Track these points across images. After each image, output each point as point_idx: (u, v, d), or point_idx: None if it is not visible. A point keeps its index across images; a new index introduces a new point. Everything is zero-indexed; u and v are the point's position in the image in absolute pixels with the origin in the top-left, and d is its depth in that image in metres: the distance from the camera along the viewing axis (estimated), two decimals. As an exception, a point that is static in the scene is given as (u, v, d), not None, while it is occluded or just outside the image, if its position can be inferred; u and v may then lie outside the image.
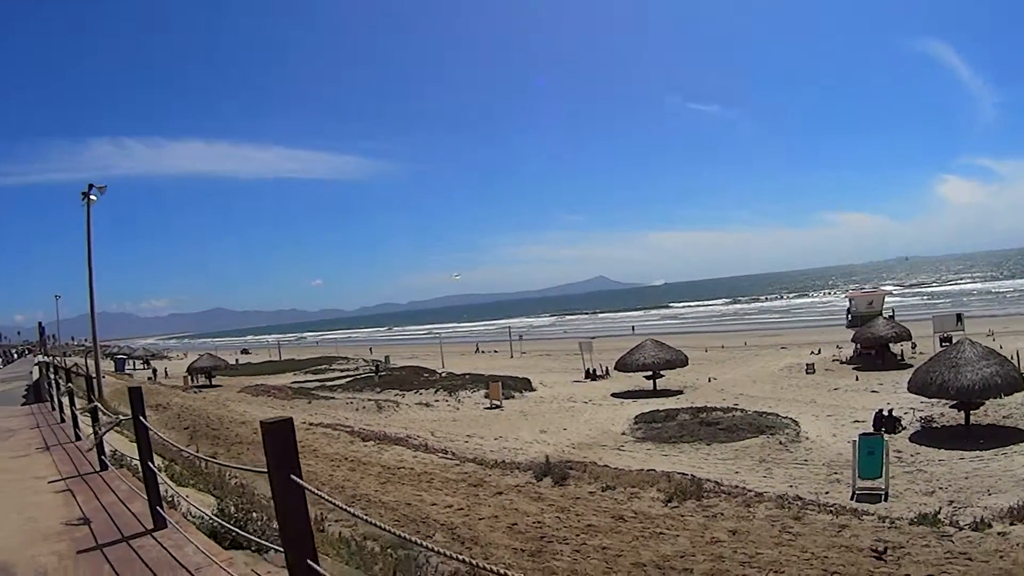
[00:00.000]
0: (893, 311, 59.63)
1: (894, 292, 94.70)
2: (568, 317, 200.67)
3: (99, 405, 12.73)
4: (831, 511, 14.97)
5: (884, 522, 13.94)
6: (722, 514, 14.12)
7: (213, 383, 68.08)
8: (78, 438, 15.30)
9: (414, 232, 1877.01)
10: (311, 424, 33.84)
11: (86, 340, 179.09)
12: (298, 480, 4.18)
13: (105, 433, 11.28)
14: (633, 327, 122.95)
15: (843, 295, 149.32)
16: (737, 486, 18.36)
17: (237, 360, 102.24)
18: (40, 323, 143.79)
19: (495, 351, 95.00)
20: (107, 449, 14.40)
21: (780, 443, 27.18)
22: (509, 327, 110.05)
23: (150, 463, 7.52)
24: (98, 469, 11.38)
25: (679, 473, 19.90)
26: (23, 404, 27.34)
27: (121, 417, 10.68)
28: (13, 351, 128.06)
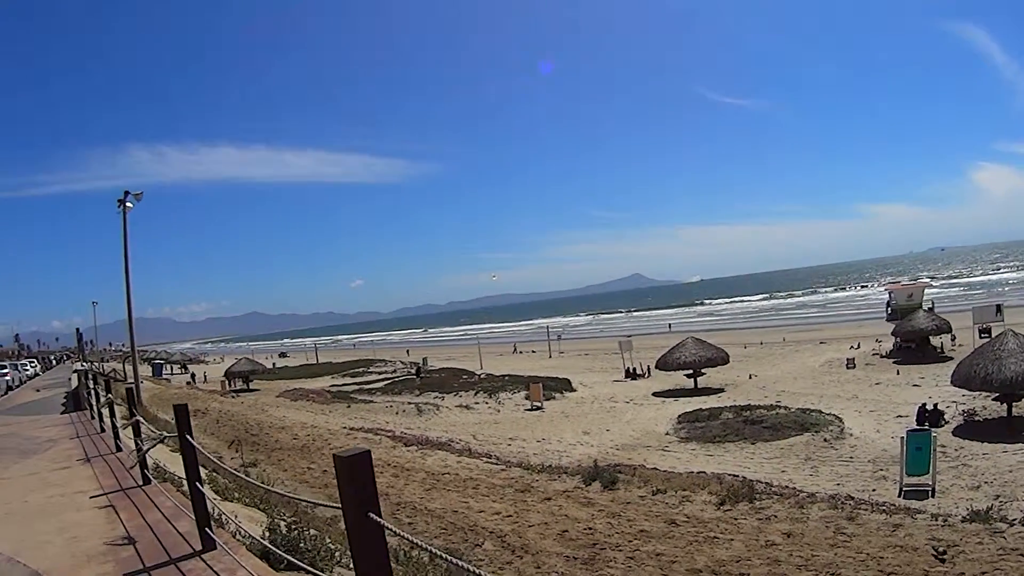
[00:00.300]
0: (933, 303, 59.06)
1: (934, 284, 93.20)
2: (604, 316, 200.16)
3: (141, 419, 12.18)
4: (884, 510, 14.81)
5: (937, 520, 13.80)
6: (775, 516, 13.99)
7: (251, 387, 68.08)
8: (119, 449, 15.27)
9: (453, 233, 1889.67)
10: (351, 429, 33.91)
11: (123, 345, 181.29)
12: (378, 519, 3.85)
13: (149, 450, 11.10)
14: (670, 325, 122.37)
15: (879, 288, 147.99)
16: (787, 487, 18.17)
17: (274, 364, 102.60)
18: (78, 329, 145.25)
19: (532, 351, 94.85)
20: (148, 461, 14.38)
21: (825, 440, 26.87)
22: (547, 327, 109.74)
23: (197, 483, 7.27)
24: (141, 483, 11.29)
25: (729, 475, 19.70)
26: (62, 412, 27.63)
27: (165, 434, 10.64)
28: (52, 357, 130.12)
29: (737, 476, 19.44)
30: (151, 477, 11.30)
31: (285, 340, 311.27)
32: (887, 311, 58.89)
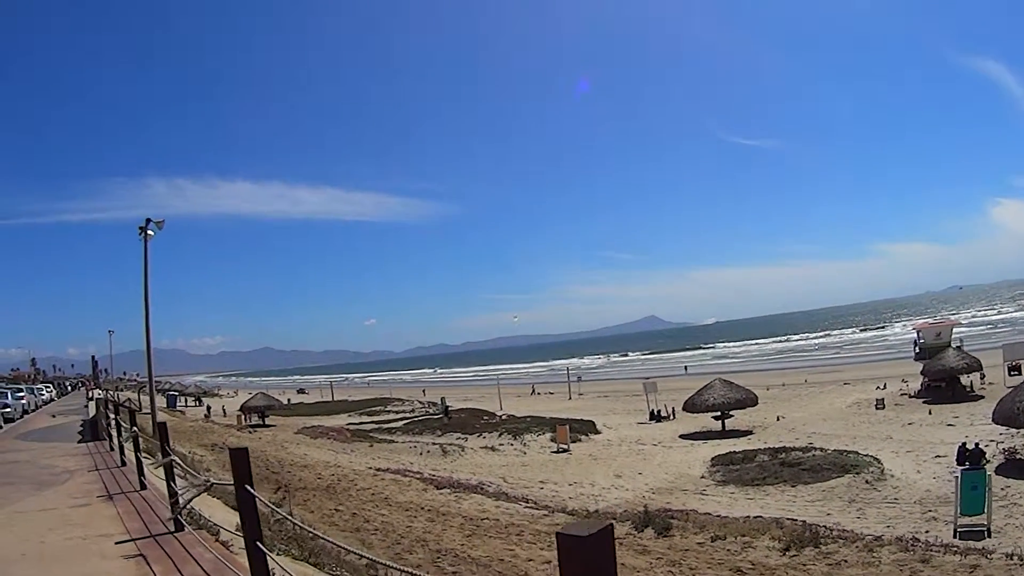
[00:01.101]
0: (961, 341, 58.44)
1: (962, 322, 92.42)
2: (620, 358, 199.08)
3: (177, 460, 11.18)
4: (956, 551, 14.26)
5: (1012, 559, 13.27)
6: (845, 561, 13.27)
7: (266, 423, 67.30)
8: (144, 487, 14.08)
9: (466, 274, 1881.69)
10: (378, 470, 32.89)
11: (138, 375, 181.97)
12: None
13: (192, 500, 9.87)
14: (686, 367, 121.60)
15: (899, 327, 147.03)
16: (848, 530, 17.52)
17: (289, 400, 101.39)
18: (93, 357, 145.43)
19: (550, 393, 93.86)
20: (148, 473, 14.33)
21: (866, 482, 26.16)
22: (567, 368, 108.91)
23: (259, 543, 6.27)
24: (173, 530, 10.06)
25: (788, 519, 19.02)
26: (79, 441, 26.57)
27: (211, 480, 9.47)
28: (67, 383, 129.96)
29: (796, 520, 18.64)
30: (184, 523, 10.14)
31: (296, 376, 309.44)
32: (915, 350, 58.23)
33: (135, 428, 15.45)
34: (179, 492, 10.15)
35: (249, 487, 6.20)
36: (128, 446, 17.23)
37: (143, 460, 14.83)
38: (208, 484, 9.53)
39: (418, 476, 30.68)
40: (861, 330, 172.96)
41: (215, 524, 10.27)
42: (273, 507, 6.54)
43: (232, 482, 6.29)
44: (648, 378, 73.50)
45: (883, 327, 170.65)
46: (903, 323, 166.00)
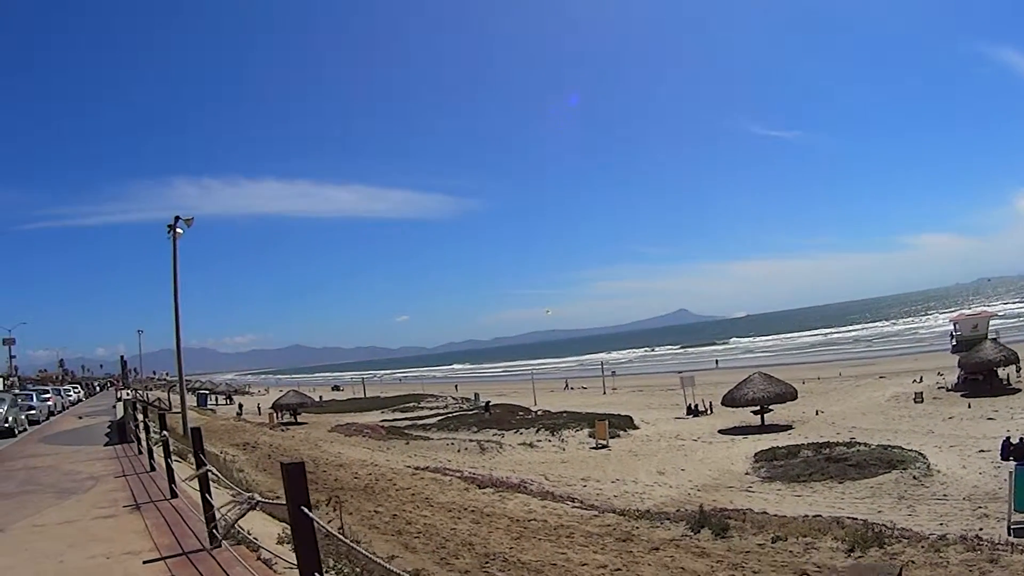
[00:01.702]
0: (998, 333, 57.76)
1: (999, 314, 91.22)
2: (651, 351, 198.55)
3: (214, 471, 10.00)
4: (1022, 550, 14.03)
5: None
6: (913, 562, 12.91)
7: (298, 420, 67.48)
8: (174, 495, 13.02)
9: (497, 269, 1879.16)
10: (417, 468, 32.15)
11: (167, 374, 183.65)
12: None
13: (239, 519, 8.23)
14: (716, 361, 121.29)
15: (930, 320, 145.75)
16: (908, 529, 17.22)
17: (321, 397, 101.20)
18: (122, 356, 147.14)
19: (583, 387, 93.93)
20: (179, 480, 13.16)
21: (914, 478, 25.71)
22: (601, 363, 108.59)
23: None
24: (208, 546, 9.08)
25: (849, 518, 18.70)
26: (106, 444, 26.13)
27: (257, 498, 7.75)
28: (96, 383, 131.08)
29: (856, 519, 18.33)
30: (220, 536, 8.95)
31: (327, 374, 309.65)
32: (952, 342, 57.57)
33: (165, 431, 14.28)
34: (218, 508, 9.18)
35: (306, 508, 5.45)
36: (158, 450, 16.67)
37: (173, 466, 13.90)
38: (253, 502, 7.81)
39: (458, 475, 30.14)
40: (892, 323, 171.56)
41: (254, 540, 9.21)
42: (340, 536, 5.16)
43: (283, 500, 5.59)
44: (684, 372, 73.10)
45: (914, 320, 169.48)
46: (934, 316, 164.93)
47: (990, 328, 56.10)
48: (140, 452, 20.49)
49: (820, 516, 19.11)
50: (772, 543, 14.85)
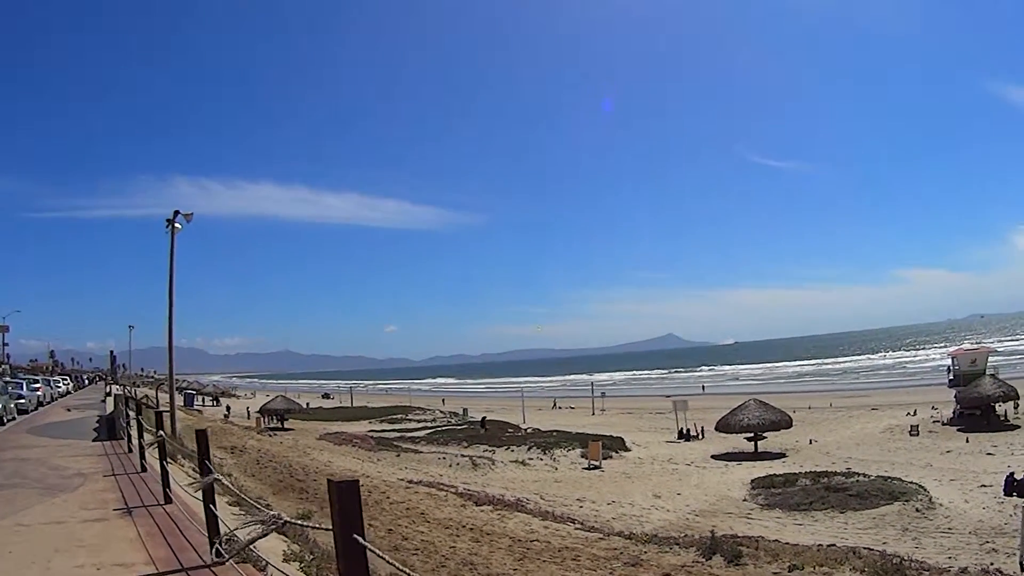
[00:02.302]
0: (996, 369, 57.58)
1: (998, 349, 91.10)
2: (638, 374, 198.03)
3: (223, 478, 9.54)
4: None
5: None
6: None
7: (285, 426, 66.44)
8: (168, 500, 12.26)
9: (486, 285, 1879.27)
10: (410, 482, 31.73)
11: (155, 372, 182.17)
12: None
13: (257, 539, 6.75)
14: (703, 386, 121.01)
15: (921, 354, 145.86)
16: (924, 561, 16.72)
17: (308, 404, 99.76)
18: (112, 351, 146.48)
19: (571, 407, 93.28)
20: (174, 484, 12.54)
21: (916, 510, 25.36)
22: (592, 383, 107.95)
23: None
24: (209, 561, 8.17)
25: (865, 548, 18.15)
26: (95, 439, 25.17)
27: (283, 517, 6.47)
28: (84, 376, 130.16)
29: (872, 550, 17.82)
30: (223, 552, 8.12)
31: (314, 381, 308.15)
32: (949, 376, 57.42)
33: (162, 432, 13.45)
34: (224, 523, 8.45)
35: (360, 538, 4.52)
36: (152, 451, 15.66)
37: (168, 470, 12.91)
38: (279, 522, 6.40)
39: (453, 490, 29.56)
40: (883, 356, 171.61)
41: (260, 556, 8.19)
42: (393, 562, 3.98)
43: (288, 514, 4.62)
44: (677, 397, 72.53)
45: (905, 354, 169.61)
46: (925, 350, 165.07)
47: (988, 364, 55.81)
48: (130, 451, 19.77)
49: (834, 546, 18.54)
50: (788, 572, 14.33)
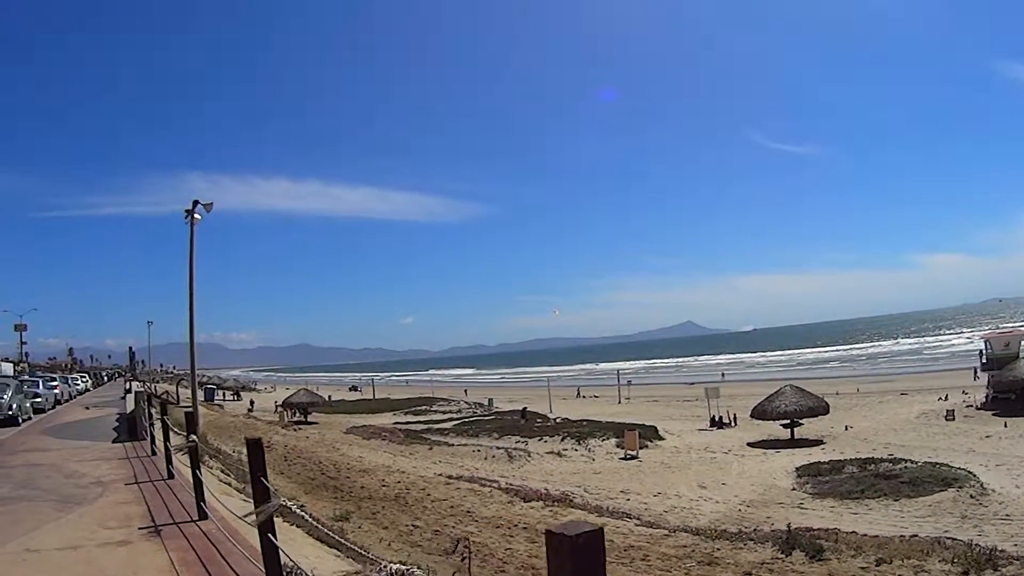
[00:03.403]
0: (1032, 351, 56.87)
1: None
2: (657, 362, 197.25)
3: (288, 503, 7.57)
4: None
5: None
6: None
7: (308, 420, 65.94)
8: (203, 515, 10.55)
9: (503, 275, 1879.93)
10: (450, 477, 30.65)
11: (174, 367, 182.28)
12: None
13: None
14: (723, 373, 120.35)
15: (943, 338, 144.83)
16: (1003, 550, 16.22)
17: (330, 397, 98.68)
18: (131, 347, 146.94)
19: (595, 396, 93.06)
20: (208, 495, 11.00)
21: (971, 497, 24.67)
22: (617, 372, 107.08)
23: None
24: None
25: (948, 538, 17.67)
26: (114, 440, 23.77)
27: (392, 564, 5.73)
28: (104, 373, 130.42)
29: (957, 539, 17.29)
30: None
31: (333, 373, 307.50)
32: (982, 360, 56.73)
33: (193, 436, 11.47)
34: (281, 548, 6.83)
35: None
36: (181, 457, 14.00)
37: (203, 480, 11.27)
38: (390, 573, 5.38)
39: (495, 485, 28.48)
40: (903, 341, 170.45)
41: None
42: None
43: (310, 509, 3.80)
44: (709, 384, 71.78)
45: (924, 339, 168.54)
46: (944, 335, 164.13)
47: (1022, 347, 55.06)
48: (154, 453, 18.58)
49: (917, 536, 17.97)
50: (876, 566, 13.71)
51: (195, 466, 11.22)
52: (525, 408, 61.88)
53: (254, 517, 6.76)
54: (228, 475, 19.50)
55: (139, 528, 10.27)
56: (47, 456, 19.75)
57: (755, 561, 15.13)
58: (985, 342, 59.07)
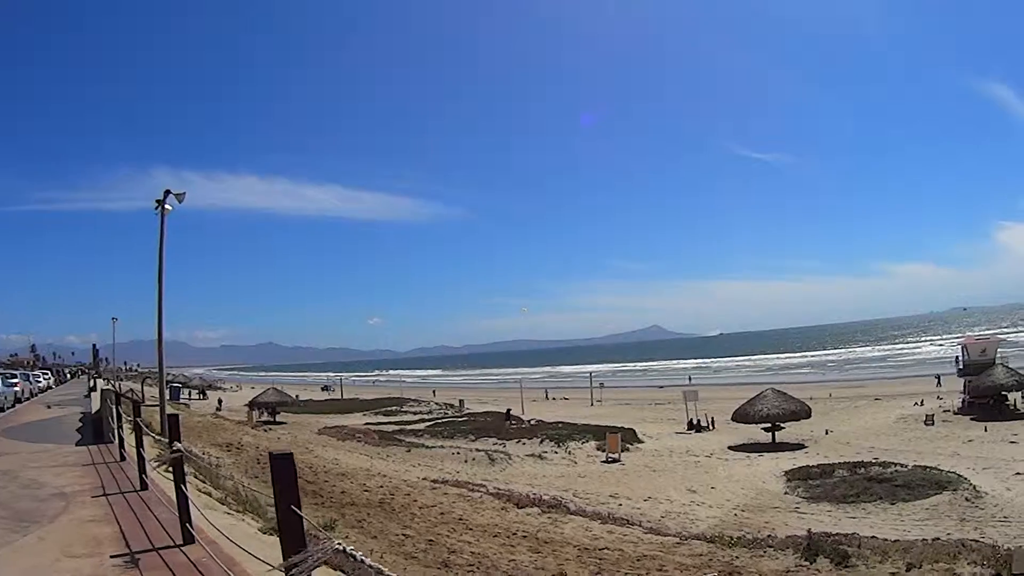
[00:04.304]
0: (1006, 359, 57.18)
1: (1008, 339, 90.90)
2: (625, 365, 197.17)
3: (356, 554, 4.01)
4: None
5: None
6: None
7: (277, 420, 64.15)
8: (188, 538, 8.38)
9: (470, 277, 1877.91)
10: (434, 481, 29.75)
11: (138, 366, 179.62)
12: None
13: None
14: (690, 377, 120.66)
15: (905, 346, 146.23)
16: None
17: (298, 396, 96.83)
18: (95, 345, 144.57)
19: (565, 398, 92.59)
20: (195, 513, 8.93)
21: (967, 500, 24.80)
22: (590, 374, 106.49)
23: None
24: None
25: (971, 540, 17.17)
26: (78, 443, 20.73)
27: None
28: (66, 371, 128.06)
29: (980, 542, 16.76)
30: None
31: (300, 373, 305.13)
32: (958, 366, 56.98)
33: (177, 444, 8.76)
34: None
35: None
36: (156, 465, 11.50)
37: (189, 497, 9.13)
38: None
39: (484, 490, 27.65)
40: (871, 348, 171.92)
41: None
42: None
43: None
44: (687, 387, 71.61)
45: (890, 346, 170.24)
46: (911, 342, 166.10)
47: (998, 354, 55.43)
48: (123, 458, 16.18)
49: (939, 539, 17.45)
50: (907, 572, 13.15)
51: (179, 480, 8.85)
52: (510, 410, 61.04)
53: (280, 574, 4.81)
54: (204, 482, 17.22)
55: (111, 557, 7.97)
56: (2, 461, 16.93)
57: (779, 569, 14.47)
58: (962, 348, 59.43)
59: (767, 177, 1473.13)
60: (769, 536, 18.15)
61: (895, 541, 16.96)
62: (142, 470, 12.67)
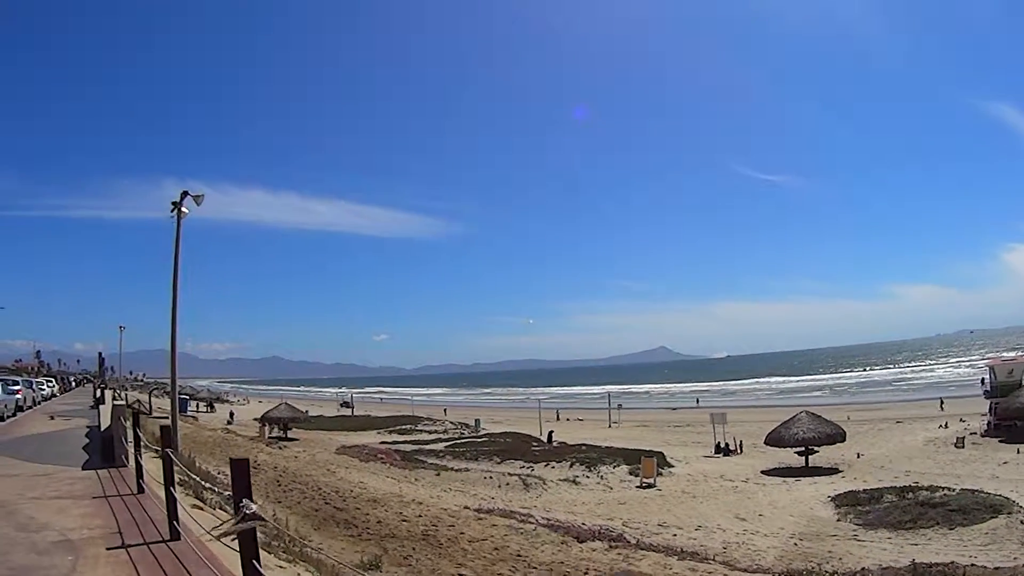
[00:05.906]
0: (1025, 380, 56.79)
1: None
2: (632, 387, 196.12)
3: None
4: None
5: None
6: None
7: (289, 436, 62.54)
8: None
9: (478, 295, 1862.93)
10: (478, 511, 27.73)
11: (144, 375, 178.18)
12: None
13: None
14: (697, 399, 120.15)
15: (916, 368, 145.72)
16: None
17: (307, 412, 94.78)
18: (100, 353, 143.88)
19: (580, 419, 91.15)
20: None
21: (1022, 523, 24.25)
22: (608, 394, 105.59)
23: None
24: None
25: None
26: (85, 466, 17.29)
27: None
28: (72, 378, 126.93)
29: None
30: None
31: (306, 388, 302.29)
32: (985, 387, 56.54)
33: (252, 504, 5.91)
34: None
35: None
36: (217, 535, 7.86)
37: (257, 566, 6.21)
38: None
39: (535, 521, 25.86)
40: (881, 370, 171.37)
41: None
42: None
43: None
44: (716, 409, 70.77)
45: (903, 368, 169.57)
46: (921, 364, 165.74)
47: (1024, 375, 55.05)
48: (142, 490, 13.13)
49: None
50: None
51: (251, 555, 5.99)
52: (551, 432, 60.22)
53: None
54: (231, 512, 12.71)
55: None
56: None
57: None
58: (989, 370, 58.94)
59: (774, 199, 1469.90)
60: (862, 569, 17.69)
61: (996, 569, 16.64)
62: (173, 515, 9.47)
